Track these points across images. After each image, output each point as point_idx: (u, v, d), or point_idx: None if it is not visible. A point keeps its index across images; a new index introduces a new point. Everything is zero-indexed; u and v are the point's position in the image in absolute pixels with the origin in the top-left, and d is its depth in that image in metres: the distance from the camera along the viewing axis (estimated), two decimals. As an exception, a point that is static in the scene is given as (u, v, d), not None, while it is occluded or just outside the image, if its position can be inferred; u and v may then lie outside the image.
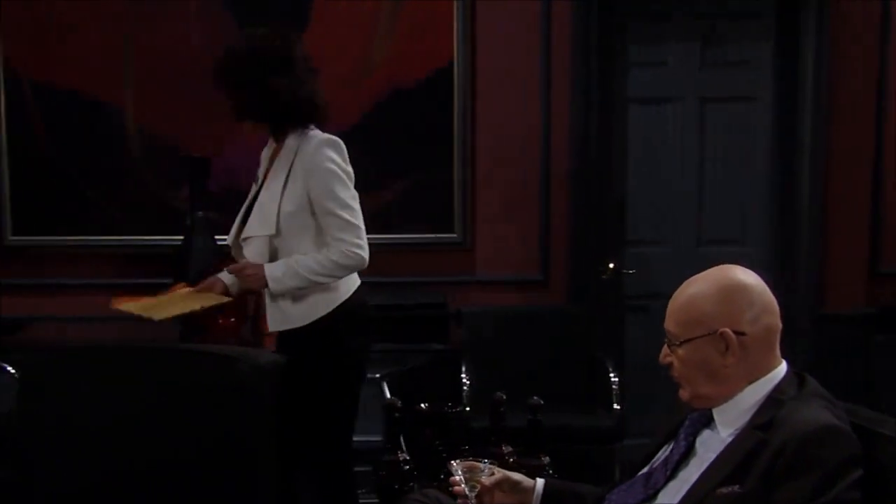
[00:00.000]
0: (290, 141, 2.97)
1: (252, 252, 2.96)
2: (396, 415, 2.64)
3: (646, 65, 4.62)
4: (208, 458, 2.39)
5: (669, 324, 1.98)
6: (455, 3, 4.33)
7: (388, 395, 3.86)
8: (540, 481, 2.12)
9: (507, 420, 2.85)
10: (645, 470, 2.03)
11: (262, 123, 3.00)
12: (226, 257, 4.03)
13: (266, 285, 2.88)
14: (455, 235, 4.39)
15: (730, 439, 1.90)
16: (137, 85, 4.31)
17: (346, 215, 2.91)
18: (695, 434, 1.99)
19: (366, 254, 2.95)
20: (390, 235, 4.32)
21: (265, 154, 3.11)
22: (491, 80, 4.40)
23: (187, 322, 3.27)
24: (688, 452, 1.97)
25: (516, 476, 2.13)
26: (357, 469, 2.92)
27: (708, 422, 1.98)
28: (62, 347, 2.72)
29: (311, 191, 2.89)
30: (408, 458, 2.60)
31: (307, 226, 2.93)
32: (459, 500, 2.10)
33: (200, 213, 4.08)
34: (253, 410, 2.43)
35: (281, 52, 2.96)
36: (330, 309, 2.93)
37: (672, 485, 1.94)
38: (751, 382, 1.93)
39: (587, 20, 4.41)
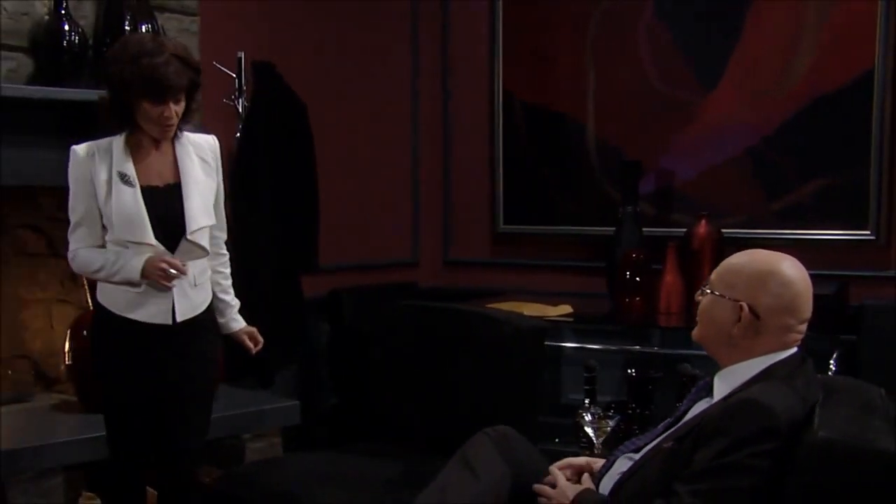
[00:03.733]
0: (184, 139, 3.15)
1: (204, 241, 3.12)
2: (591, 374, 3.20)
3: None
4: (479, 399, 3.20)
5: (714, 272, 2.37)
6: (879, 7, 4.53)
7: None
8: None
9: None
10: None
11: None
12: (644, 246, 4.75)
13: None
14: (868, 232, 4.59)
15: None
16: (597, 103, 5.18)
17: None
18: (695, 402, 2.35)
19: None
20: (803, 231, 4.70)
21: (109, 159, 3.05)
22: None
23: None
24: (681, 417, 2.35)
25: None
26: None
27: (709, 391, 2.33)
28: (398, 306, 3.69)
29: (219, 183, 3.20)
30: (609, 413, 3.14)
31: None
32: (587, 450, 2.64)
33: (629, 207, 4.83)
34: (511, 363, 3.18)
35: None
36: (212, 292, 3.23)
37: (654, 443, 2.33)
38: (749, 358, 2.25)
39: None
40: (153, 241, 3.00)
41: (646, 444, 2.38)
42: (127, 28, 3.77)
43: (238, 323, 3.30)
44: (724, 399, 2.23)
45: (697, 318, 2.39)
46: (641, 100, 5.05)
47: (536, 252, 5.39)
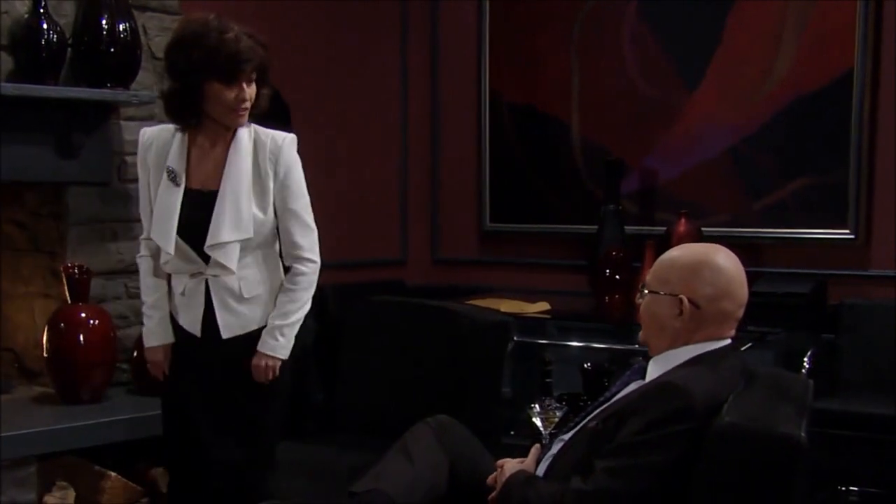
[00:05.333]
0: (243, 137, 2.84)
1: (227, 257, 2.80)
2: (547, 368, 3.24)
3: None
4: (439, 389, 3.26)
5: (649, 273, 2.40)
6: (858, 9, 4.54)
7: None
8: None
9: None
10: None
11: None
12: (627, 244, 4.77)
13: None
14: (847, 231, 4.60)
15: None
16: (581, 103, 5.22)
17: (309, 218, 2.92)
18: (627, 384, 2.38)
19: (319, 259, 2.95)
20: (784, 230, 4.72)
21: (167, 151, 2.82)
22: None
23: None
24: (610, 398, 2.38)
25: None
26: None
27: (643, 374, 2.36)
28: (371, 301, 3.77)
29: (284, 190, 2.85)
30: (558, 404, 3.13)
31: (273, 226, 2.90)
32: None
33: (612, 206, 4.86)
34: (472, 357, 3.24)
35: None
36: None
37: (583, 423, 2.37)
38: (686, 344, 2.28)
39: None
40: (172, 250, 2.76)
41: (577, 425, 2.44)
42: (105, 26, 3.84)
43: (260, 344, 2.86)
44: (652, 381, 2.28)
45: (640, 320, 2.43)
46: (625, 100, 5.09)
47: (523, 250, 5.44)
